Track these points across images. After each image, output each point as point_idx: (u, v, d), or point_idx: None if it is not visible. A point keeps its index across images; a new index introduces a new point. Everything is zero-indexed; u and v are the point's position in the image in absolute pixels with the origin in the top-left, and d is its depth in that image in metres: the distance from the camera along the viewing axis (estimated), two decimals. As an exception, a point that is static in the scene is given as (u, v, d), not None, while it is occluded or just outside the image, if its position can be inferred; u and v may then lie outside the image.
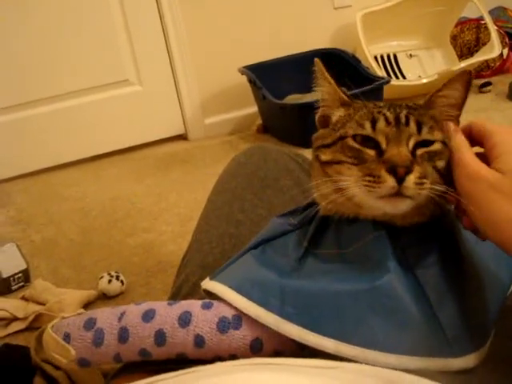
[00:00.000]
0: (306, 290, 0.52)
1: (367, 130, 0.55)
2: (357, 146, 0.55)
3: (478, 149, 0.55)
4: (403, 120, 0.55)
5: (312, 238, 0.59)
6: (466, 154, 0.52)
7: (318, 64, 0.62)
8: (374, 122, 0.55)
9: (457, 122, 0.58)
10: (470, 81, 0.57)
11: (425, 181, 0.51)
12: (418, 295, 0.50)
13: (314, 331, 0.48)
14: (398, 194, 0.50)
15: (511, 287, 0.59)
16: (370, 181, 0.51)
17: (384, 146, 0.53)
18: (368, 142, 0.54)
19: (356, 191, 0.52)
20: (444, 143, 0.55)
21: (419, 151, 0.53)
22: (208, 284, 0.59)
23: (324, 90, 0.62)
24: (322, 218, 0.60)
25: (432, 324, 0.48)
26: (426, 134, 0.54)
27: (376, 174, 0.51)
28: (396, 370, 0.45)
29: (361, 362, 0.46)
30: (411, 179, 0.50)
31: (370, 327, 0.48)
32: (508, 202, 0.47)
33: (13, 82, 2.38)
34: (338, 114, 0.61)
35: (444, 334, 0.48)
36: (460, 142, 0.54)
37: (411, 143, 0.54)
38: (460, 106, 0.58)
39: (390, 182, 0.50)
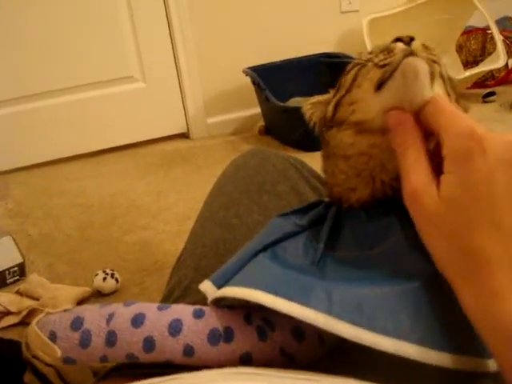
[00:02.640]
0: (351, 290, 0.49)
1: (364, 55, 0.53)
2: (358, 65, 0.53)
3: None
4: None
5: (326, 238, 0.56)
6: (414, 167, 0.45)
7: None
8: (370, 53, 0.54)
9: None
10: None
11: (432, 48, 0.50)
12: (451, 293, 0.48)
13: (370, 330, 0.45)
14: (412, 54, 0.48)
15: None
16: (383, 57, 0.49)
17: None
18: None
19: (366, 101, 0.50)
20: None
21: None
22: (226, 290, 0.53)
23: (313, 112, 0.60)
24: (336, 217, 0.57)
25: (468, 323, 0.47)
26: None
27: (384, 50, 0.50)
28: (448, 370, 0.44)
29: (421, 361, 0.44)
30: (417, 42, 0.49)
31: (425, 325, 0.46)
32: (443, 239, 0.43)
33: (16, 75, 2.39)
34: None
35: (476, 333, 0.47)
36: (408, 139, 0.46)
37: None
38: None
39: (399, 45, 0.49)
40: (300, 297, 0.48)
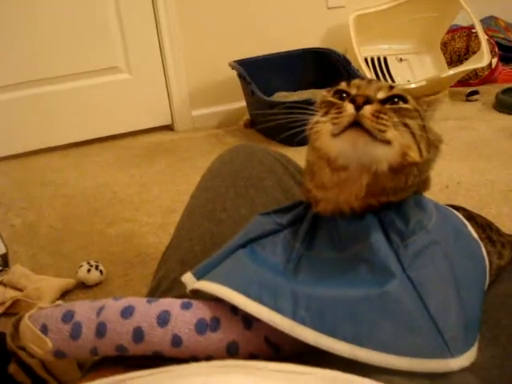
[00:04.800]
0: (317, 294, 0.51)
1: (342, 85, 0.58)
2: (329, 98, 0.58)
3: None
4: (376, 81, 0.58)
5: (303, 238, 0.59)
6: None
7: None
8: (349, 81, 0.58)
9: None
10: None
11: (385, 118, 0.52)
12: (416, 298, 0.50)
13: (329, 335, 0.48)
14: (357, 123, 0.52)
15: (486, 284, 0.61)
16: (335, 114, 0.53)
17: (354, 92, 0.56)
18: (343, 96, 0.57)
19: (323, 138, 0.55)
20: (417, 111, 0.56)
21: (387, 105, 0.55)
22: (203, 284, 0.56)
23: None
24: (314, 218, 0.60)
25: (431, 326, 0.48)
26: (397, 90, 0.56)
27: (339, 107, 0.54)
28: (402, 373, 0.46)
29: (376, 365, 0.46)
30: (368, 108, 0.52)
31: (382, 331, 0.48)
32: None
33: None
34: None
35: (442, 335, 0.48)
36: None
37: (380, 94, 0.56)
38: None
39: (349, 108, 0.52)
40: (269, 300, 0.51)
